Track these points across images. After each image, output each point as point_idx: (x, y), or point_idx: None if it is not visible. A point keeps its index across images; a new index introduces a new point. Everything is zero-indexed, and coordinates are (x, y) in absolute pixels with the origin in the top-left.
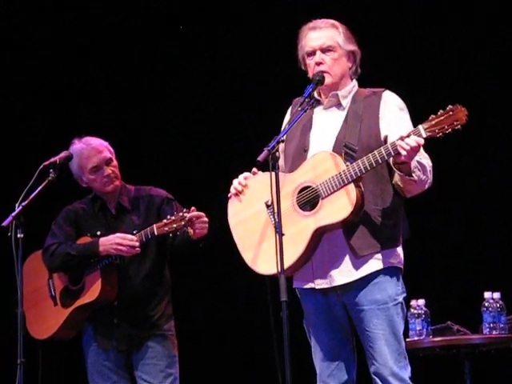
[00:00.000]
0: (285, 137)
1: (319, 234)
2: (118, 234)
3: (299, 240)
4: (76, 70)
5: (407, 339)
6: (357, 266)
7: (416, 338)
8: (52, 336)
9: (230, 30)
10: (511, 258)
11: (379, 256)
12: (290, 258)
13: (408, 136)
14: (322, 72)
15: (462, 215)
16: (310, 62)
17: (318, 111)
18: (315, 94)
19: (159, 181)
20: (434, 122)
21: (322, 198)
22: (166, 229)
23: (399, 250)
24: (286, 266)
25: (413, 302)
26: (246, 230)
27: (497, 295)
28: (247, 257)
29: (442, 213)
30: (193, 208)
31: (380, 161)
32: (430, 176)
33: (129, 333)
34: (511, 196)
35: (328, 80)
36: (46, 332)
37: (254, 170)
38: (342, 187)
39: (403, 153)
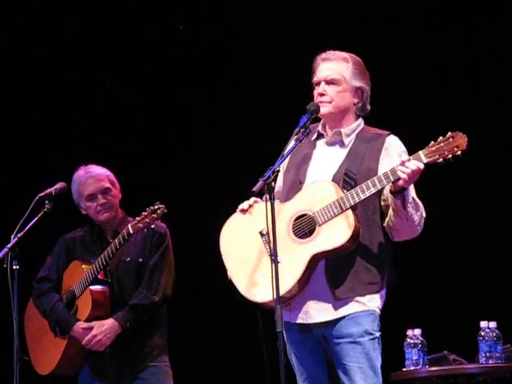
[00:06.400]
0: (284, 165)
1: (316, 261)
2: (92, 333)
3: (296, 267)
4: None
5: (404, 369)
6: (335, 307)
7: (412, 368)
8: (55, 369)
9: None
10: (507, 288)
11: (361, 299)
12: (287, 284)
13: (408, 160)
14: (323, 103)
15: (457, 244)
16: (315, 92)
17: (320, 145)
18: (319, 128)
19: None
20: (433, 148)
21: (319, 225)
22: (140, 225)
23: (381, 295)
24: (282, 292)
25: (409, 332)
26: (239, 260)
27: (493, 324)
28: (241, 286)
29: (437, 242)
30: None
31: (379, 186)
32: (422, 223)
33: (121, 363)
34: (507, 225)
35: (327, 109)
36: (49, 366)
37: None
38: (340, 213)
39: (403, 176)
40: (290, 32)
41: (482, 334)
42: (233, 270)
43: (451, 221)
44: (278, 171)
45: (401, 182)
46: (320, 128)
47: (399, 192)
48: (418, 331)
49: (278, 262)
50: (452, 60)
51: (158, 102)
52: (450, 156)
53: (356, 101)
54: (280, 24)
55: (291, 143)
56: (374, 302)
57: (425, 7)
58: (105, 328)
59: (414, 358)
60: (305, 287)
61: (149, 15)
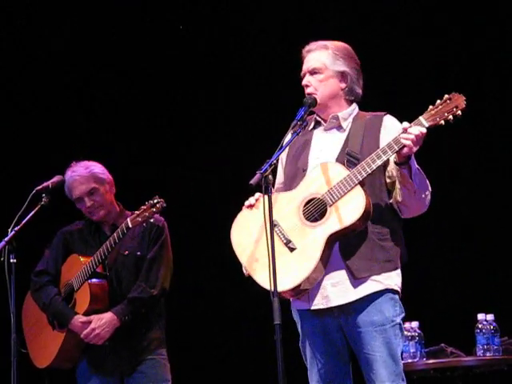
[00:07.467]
0: (284, 157)
1: (331, 242)
2: (91, 326)
3: (312, 251)
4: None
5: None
6: (354, 287)
7: (410, 361)
8: (53, 362)
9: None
10: (504, 280)
11: (378, 278)
12: (306, 270)
13: (410, 127)
14: (309, 94)
15: (455, 237)
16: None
17: (318, 133)
18: (316, 117)
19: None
20: (433, 112)
21: (330, 206)
22: (139, 219)
23: (398, 272)
24: (301, 280)
25: (406, 325)
26: (254, 254)
27: (490, 317)
28: (260, 279)
29: (435, 235)
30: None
31: (385, 157)
32: (429, 198)
33: (119, 356)
34: (506, 218)
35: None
36: (47, 359)
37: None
38: (348, 191)
39: (407, 143)
40: (290, 32)
41: (480, 326)
42: (249, 265)
43: (449, 213)
44: (275, 164)
45: (405, 150)
46: (317, 117)
47: (404, 162)
48: (415, 324)
49: (294, 249)
50: (452, 60)
51: (158, 101)
52: (451, 117)
53: (343, 85)
54: (280, 24)
55: (288, 136)
56: (390, 280)
57: (425, 7)
58: (103, 322)
59: (412, 350)
60: (324, 271)
61: (149, 15)
